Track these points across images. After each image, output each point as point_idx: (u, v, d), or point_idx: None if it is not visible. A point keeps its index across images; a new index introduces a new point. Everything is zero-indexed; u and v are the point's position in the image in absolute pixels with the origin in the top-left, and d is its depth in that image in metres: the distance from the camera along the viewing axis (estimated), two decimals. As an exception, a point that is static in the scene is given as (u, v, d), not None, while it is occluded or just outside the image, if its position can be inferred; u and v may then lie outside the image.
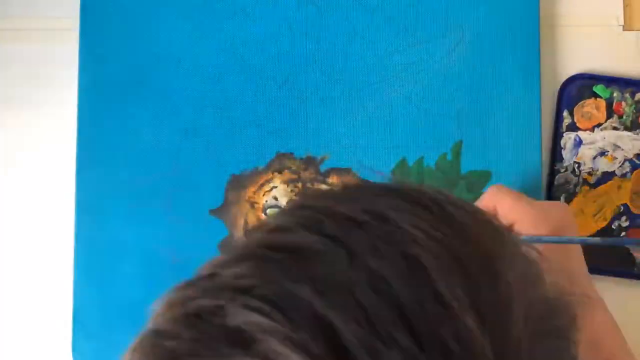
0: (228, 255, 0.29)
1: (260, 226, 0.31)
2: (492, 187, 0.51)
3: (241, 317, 0.25)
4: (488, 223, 0.31)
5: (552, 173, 0.60)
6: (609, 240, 0.57)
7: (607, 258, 0.59)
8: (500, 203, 0.50)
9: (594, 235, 0.60)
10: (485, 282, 0.27)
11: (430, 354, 0.24)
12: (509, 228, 0.32)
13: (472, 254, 0.28)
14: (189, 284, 0.29)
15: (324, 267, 0.26)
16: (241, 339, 0.25)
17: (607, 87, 0.60)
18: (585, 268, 0.51)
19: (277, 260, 0.27)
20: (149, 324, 0.29)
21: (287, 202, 0.31)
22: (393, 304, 0.25)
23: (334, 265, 0.26)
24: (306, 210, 0.30)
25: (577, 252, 0.51)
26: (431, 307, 0.25)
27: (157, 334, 0.28)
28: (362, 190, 0.33)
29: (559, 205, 0.51)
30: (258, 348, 0.24)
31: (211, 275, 0.28)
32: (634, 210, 0.59)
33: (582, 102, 0.60)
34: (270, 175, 0.60)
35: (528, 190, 0.59)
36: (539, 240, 0.48)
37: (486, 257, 0.28)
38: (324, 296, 0.25)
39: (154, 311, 0.29)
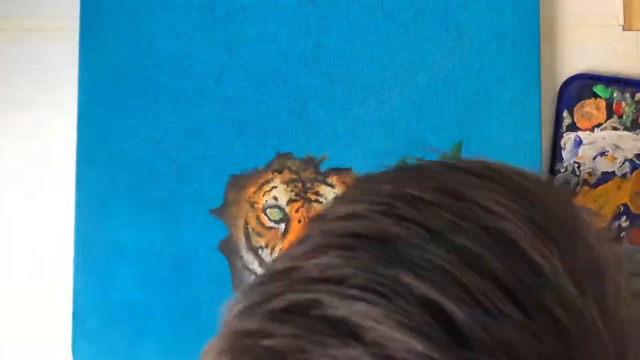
0: (302, 247, 0.28)
1: (325, 215, 0.31)
2: None
3: (345, 307, 0.24)
4: (557, 191, 0.32)
5: (552, 173, 0.60)
6: None
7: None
8: None
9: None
10: (574, 249, 0.27)
11: (540, 323, 0.24)
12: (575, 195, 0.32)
13: (554, 221, 0.28)
14: (267, 280, 0.28)
15: (413, 250, 0.26)
16: (348, 330, 0.24)
17: (607, 87, 0.60)
18: None
19: (364, 248, 0.26)
20: (229, 325, 0.28)
21: (347, 187, 0.31)
22: (492, 277, 0.25)
23: (423, 247, 0.26)
24: (372, 195, 0.29)
25: None
26: (529, 277, 0.25)
27: (247, 334, 0.26)
28: (425, 169, 0.33)
29: None
30: (369, 336, 0.24)
31: (290, 269, 0.28)
32: (634, 211, 0.59)
33: (582, 102, 0.60)
34: (270, 175, 0.60)
35: (528, 190, 0.59)
36: None
37: (568, 225, 0.28)
38: (425, 279, 0.25)
39: (229, 312, 0.28)
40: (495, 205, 0.27)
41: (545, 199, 0.29)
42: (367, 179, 0.34)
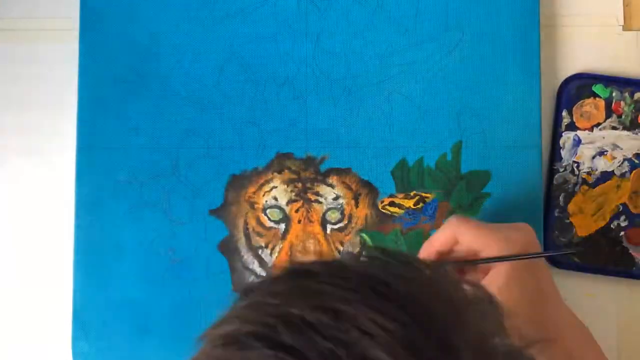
0: None
1: (214, 327, 0.31)
2: (452, 218, 0.51)
3: None
4: (441, 287, 0.32)
5: (551, 172, 0.60)
6: (552, 252, 0.57)
7: (607, 258, 0.59)
8: (462, 234, 0.50)
9: (594, 233, 0.60)
10: None
11: None
12: (462, 281, 0.33)
13: (429, 338, 0.28)
14: None
15: None
16: None
17: (606, 86, 0.60)
18: (559, 301, 0.51)
19: None
20: None
21: (243, 290, 0.33)
22: None
23: None
24: (259, 311, 0.29)
25: (551, 290, 0.51)
26: None
27: None
28: (317, 277, 0.32)
29: (521, 228, 0.51)
30: None
31: None
32: (633, 210, 0.60)
33: (581, 101, 0.60)
34: (270, 176, 0.60)
35: (528, 190, 0.59)
36: (498, 259, 0.48)
37: (443, 337, 0.29)
38: None
39: None
40: (372, 326, 0.27)
41: (426, 307, 0.29)
42: (263, 284, 0.34)
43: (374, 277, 0.30)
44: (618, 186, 0.60)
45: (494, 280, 0.48)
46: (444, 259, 0.51)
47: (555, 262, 0.59)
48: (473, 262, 0.50)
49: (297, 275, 0.32)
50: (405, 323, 0.28)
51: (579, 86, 0.60)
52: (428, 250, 0.51)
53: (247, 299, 0.32)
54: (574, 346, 0.49)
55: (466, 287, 0.32)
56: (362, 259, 0.34)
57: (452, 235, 0.50)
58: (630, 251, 0.59)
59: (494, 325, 0.32)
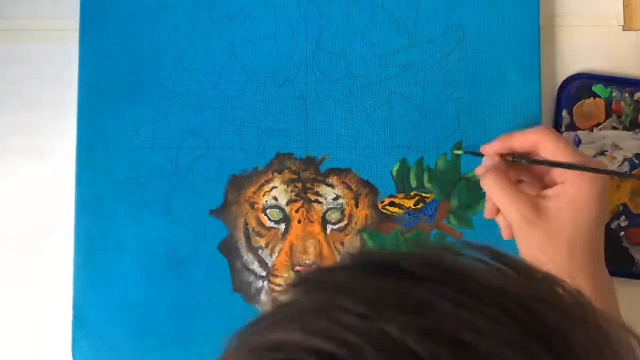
0: None
1: (257, 330, 0.23)
2: (541, 126, 0.51)
3: None
4: (590, 321, 0.25)
5: (552, 173, 0.60)
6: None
7: (607, 258, 0.59)
8: (545, 142, 0.50)
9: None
10: None
11: None
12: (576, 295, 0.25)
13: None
14: None
15: None
16: None
17: (606, 86, 0.60)
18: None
19: None
20: None
21: (295, 281, 0.23)
22: None
23: None
24: (331, 320, 0.21)
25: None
26: None
27: None
28: (411, 281, 0.23)
29: (599, 162, 0.51)
30: None
31: None
32: (633, 210, 0.59)
33: (581, 101, 0.60)
34: (270, 176, 0.60)
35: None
36: (568, 166, 0.48)
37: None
38: None
39: None
40: None
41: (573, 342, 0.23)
42: (332, 276, 0.25)
43: (511, 297, 0.22)
44: (618, 186, 0.60)
45: (557, 194, 0.48)
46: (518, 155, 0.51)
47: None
48: (555, 165, 0.49)
49: (383, 272, 0.23)
50: (540, 351, 0.21)
51: (579, 86, 0.60)
52: (507, 143, 0.52)
53: (304, 294, 0.23)
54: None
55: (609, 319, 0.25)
56: (481, 265, 0.25)
57: (533, 141, 0.50)
58: (630, 251, 0.59)
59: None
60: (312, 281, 0.24)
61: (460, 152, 0.58)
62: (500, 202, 0.49)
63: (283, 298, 0.23)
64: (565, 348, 0.22)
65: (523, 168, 0.52)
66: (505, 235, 0.53)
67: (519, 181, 0.53)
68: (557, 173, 0.50)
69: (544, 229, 0.48)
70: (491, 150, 0.52)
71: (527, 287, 0.23)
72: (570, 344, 0.22)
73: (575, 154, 0.49)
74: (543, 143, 0.50)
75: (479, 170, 0.52)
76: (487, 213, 0.53)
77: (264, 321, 0.23)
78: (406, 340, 0.19)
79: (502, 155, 0.52)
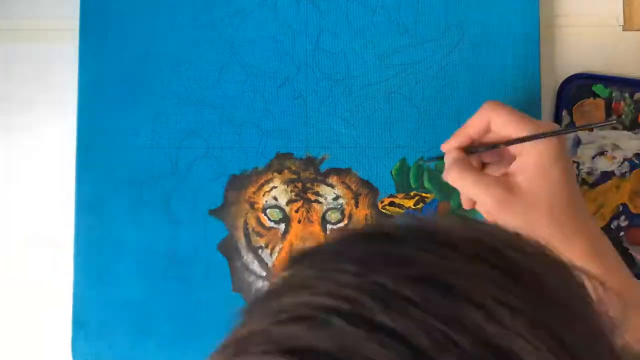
0: (242, 347, 0.24)
1: (268, 300, 0.25)
2: (487, 102, 0.51)
3: None
4: (556, 264, 0.27)
5: (552, 173, 0.60)
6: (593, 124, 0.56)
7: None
8: (496, 117, 0.50)
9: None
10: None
11: None
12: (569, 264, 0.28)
13: (566, 321, 0.24)
14: None
15: None
16: None
17: (606, 86, 0.60)
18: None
19: None
20: None
21: (293, 258, 0.26)
22: None
23: None
24: (331, 280, 0.23)
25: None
26: None
27: None
28: (401, 241, 0.26)
29: (553, 125, 0.51)
30: None
31: None
32: (633, 210, 0.60)
33: (581, 101, 0.60)
34: (270, 176, 0.60)
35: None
36: (534, 137, 0.48)
37: (578, 320, 0.25)
38: None
39: None
40: (496, 306, 0.22)
41: (551, 287, 0.25)
42: (326, 248, 0.27)
43: (486, 244, 0.25)
44: (618, 186, 0.60)
45: (520, 168, 0.48)
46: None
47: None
48: (507, 143, 0.49)
49: (370, 238, 0.26)
50: (535, 303, 0.23)
51: (579, 86, 0.60)
52: (463, 135, 0.52)
53: (306, 266, 0.26)
54: (600, 240, 0.49)
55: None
56: (452, 221, 0.28)
57: (487, 120, 0.50)
58: (630, 251, 0.59)
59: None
60: (310, 254, 0.26)
61: (424, 162, 0.58)
62: (470, 193, 0.50)
63: (288, 271, 0.26)
64: (535, 283, 0.24)
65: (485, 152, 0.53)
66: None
67: (485, 165, 0.53)
68: (514, 146, 0.49)
69: (520, 204, 0.48)
70: (449, 146, 0.52)
71: (500, 238, 0.26)
72: (539, 280, 0.25)
73: (523, 122, 0.49)
74: (493, 121, 0.50)
75: (444, 174, 0.52)
76: (465, 204, 0.54)
77: (274, 291, 0.25)
78: (398, 288, 0.22)
79: (464, 148, 0.52)
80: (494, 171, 0.52)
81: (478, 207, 0.52)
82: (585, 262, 0.47)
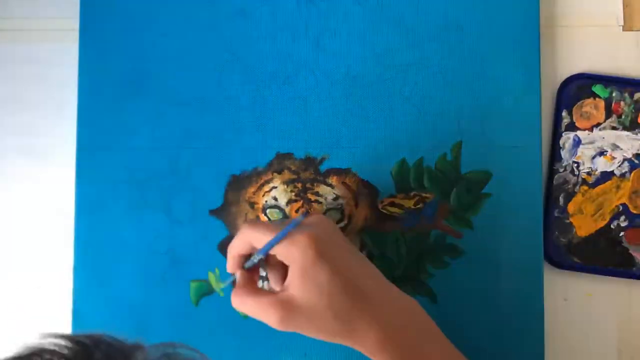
0: None
1: None
2: (243, 224, 0.53)
3: None
4: None
5: (551, 173, 0.60)
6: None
7: (607, 258, 0.60)
8: (253, 237, 0.50)
9: (594, 233, 0.60)
10: None
11: None
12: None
13: None
14: None
15: None
16: None
17: (606, 86, 0.60)
18: (369, 275, 0.50)
19: None
20: None
21: None
22: None
23: None
24: None
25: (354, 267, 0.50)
26: None
27: None
28: None
29: (310, 223, 0.51)
30: None
31: None
32: (633, 210, 0.60)
33: (581, 101, 0.60)
34: (269, 176, 0.60)
35: (528, 190, 0.59)
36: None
37: None
38: None
39: None
40: None
41: None
42: None
43: None
44: (618, 186, 0.60)
45: (291, 282, 0.48)
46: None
47: (555, 262, 0.59)
48: (264, 252, 0.49)
49: None
50: None
51: (579, 86, 0.60)
52: (231, 259, 0.52)
53: None
54: (394, 316, 0.49)
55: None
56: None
57: (247, 241, 0.50)
58: (630, 251, 0.59)
59: None
60: None
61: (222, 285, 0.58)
62: (256, 316, 0.49)
63: None
64: None
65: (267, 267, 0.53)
66: None
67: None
68: (282, 258, 0.49)
69: (300, 316, 0.48)
70: (231, 268, 0.52)
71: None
72: None
73: (272, 235, 0.49)
74: (253, 241, 0.50)
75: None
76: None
77: None
78: None
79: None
80: (276, 287, 0.53)
81: None
82: (381, 348, 0.48)
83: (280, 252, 0.49)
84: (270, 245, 0.49)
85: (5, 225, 0.62)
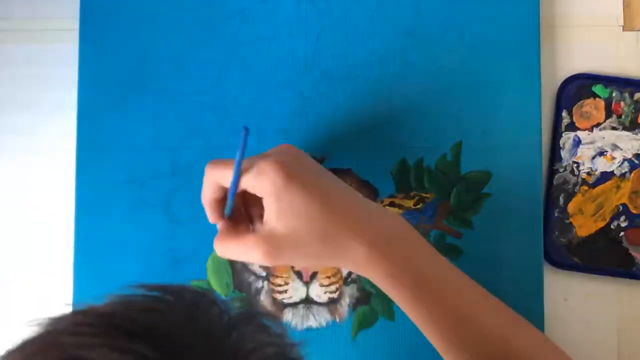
0: None
1: None
2: (207, 164, 0.49)
3: None
4: (193, 312, 0.33)
5: (551, 173, 0.60)
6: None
7: (607, 258, 0.60)
8: (219, 175, 0.48)
9: (594, 233, 0.60)
10: None
11: None
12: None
13: None
14: None
15: None
16: None
17: (606, 86, 0.60)
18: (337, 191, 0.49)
19: None
20: None
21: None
22: None
23: None
24: None
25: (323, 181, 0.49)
26: None
27: None
28: (53, 333, 0.33)
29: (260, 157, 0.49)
30: None
31: None
32: (633, 210, 0.60)
33: (581, 101, 0.60)
34: (270, 175, 0.60)
35: (528, 190, 0.59)
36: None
37: None
38: None
39: None
40: None
41: (170, 333, 0.31)
42: (14, 348, 0.34)
43: (116, 315, 0.31)
44: (618, 186, 0.60)
45: (268, 215, 0.47)
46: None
47: (555, 262, 0.59)
48: (234, 186, 0.48)
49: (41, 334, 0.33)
50: (149, 357, 0.29)
51: (579, 86, 0.60)
52: (206, 206, 0.50)
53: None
54: (379, 231, 0.48)
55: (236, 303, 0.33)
56: (109, 299, 0.34)
57: (214, 182, 0.49)
58: (630, 251, 0.59)
59: (265, 336, 0.33)
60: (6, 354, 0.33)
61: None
62: (240, 259, 0.49)
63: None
64: (168, 344, 0.30)
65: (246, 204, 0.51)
66: None
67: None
68: (254, 192, 0.48)
69: (285, 247, 0.47)
70: (212, 218, 0.51)
71: (133, 303, 0.33)
72: (172, 339, 0.30)
73: (228, 165, 0.47)
74: (220, 179, 0.48)
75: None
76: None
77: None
78: None
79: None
80: (257, 224, 0.50)
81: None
82: (370, 263, 0.47)
83: (251, 185, 0.47)
84: (235, 181, 0.47)
85: (5, 225, 0.62)
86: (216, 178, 0.48)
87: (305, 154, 0.50)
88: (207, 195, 0.50)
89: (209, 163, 0.49)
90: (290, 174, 0.46)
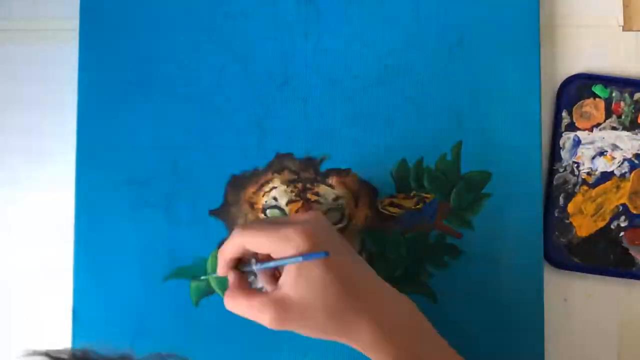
0: None
1: None
2: (236, 227, 0.51)
3: None
4: None
5: (551, 173, 0.60)
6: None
7: (607, 258, 0.60)
8: (247, 243, 0.50)
9: (594, 233, 0.60)
10: None
11: None
12: None
13: None
14: None
15: None
16: None
17: (606, 87, 0.60)
18: (365, 279, 0.50)
19: None
20: None
21: None
22: None
23: None
24: None
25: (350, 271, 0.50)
26: None
27: None
28: None
29: (302, 220, 0.50)
30: None
31: None
32: (633, 210, 0.60)
33: (581, 102, 0.60)
34: (269, 176, 0.60)
35: (528, 190, 0.59)
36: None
37: None
38: None
39: None
40: None
41: None
42: None
43: None
44: (618, 186, 0.60)
45: (285, 280, 0.48)
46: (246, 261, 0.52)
47: (555, 262, 0.59)
48: (273, 265, 0.49)
49: None
50: None
51: (579, 86, 0.60)
52: (222, 259, 0.52)
53: None
54: (388, 315, 0.49)
55: None
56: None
57: (241, 245, 0.50)
58: (630, 251, 0.59)
59: None
60: None
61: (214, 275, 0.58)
62: (249, 317, 0.49)
63: None
64: None
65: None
66: None
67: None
68: (276, 256, 0.49)
69: (294, 315, 0.48)
70: (222, 271, 0.52)
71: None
72: None
73: (275, 237, 0.48)
74: (247, 244, 0.50)
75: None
76: None
77: None
78: None
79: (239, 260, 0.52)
80: (268, 287, 0.52)
81: None
82: (375, 346, 0.48)
83: (275, 249, 0.48)
84: (276, 264, 0.49)
85: (5, 225, 0.62)
86: (244, 243, 0.50)
87: (332, 226, 0.52)
88: (228, 253, 0.51)
89: (239, 227, 0.50)
90: (317, 244, 0.47)
